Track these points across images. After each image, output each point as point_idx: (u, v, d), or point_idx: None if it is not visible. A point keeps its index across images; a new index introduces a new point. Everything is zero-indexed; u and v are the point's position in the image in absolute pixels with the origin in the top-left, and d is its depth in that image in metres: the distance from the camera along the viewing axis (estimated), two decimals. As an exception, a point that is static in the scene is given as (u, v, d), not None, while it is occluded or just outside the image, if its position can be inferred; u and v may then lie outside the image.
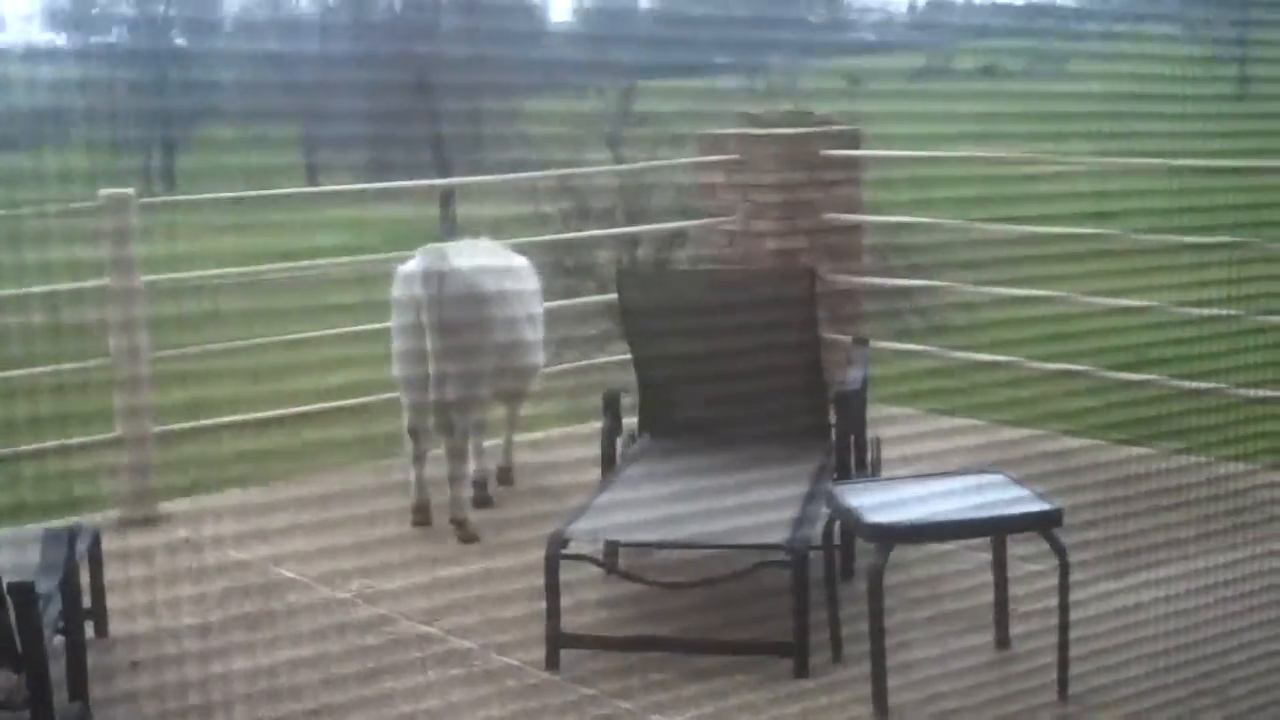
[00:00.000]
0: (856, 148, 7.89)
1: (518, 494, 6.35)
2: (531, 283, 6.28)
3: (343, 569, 5.39)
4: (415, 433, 5.92)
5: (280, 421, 6.77)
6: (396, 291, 5.84)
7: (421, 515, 5.93)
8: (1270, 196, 6.49)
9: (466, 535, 5.76)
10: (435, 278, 5.69)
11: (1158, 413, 6.45)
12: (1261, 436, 5.63)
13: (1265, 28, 6.98)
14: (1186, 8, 8.27)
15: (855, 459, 5.35)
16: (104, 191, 6.12)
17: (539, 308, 6.28)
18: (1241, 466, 5.33)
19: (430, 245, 5.92)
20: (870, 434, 5.54)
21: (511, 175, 8.54)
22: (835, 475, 5.13)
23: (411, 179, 9.86)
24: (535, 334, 6.21)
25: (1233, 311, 5.88)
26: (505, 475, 6.44)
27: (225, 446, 6.79)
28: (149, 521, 6.07)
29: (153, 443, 6.21)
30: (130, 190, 6.23)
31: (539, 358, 6.27)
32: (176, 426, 6.48)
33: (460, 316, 5.73)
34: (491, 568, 5.40)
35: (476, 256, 6.03)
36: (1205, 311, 6.11)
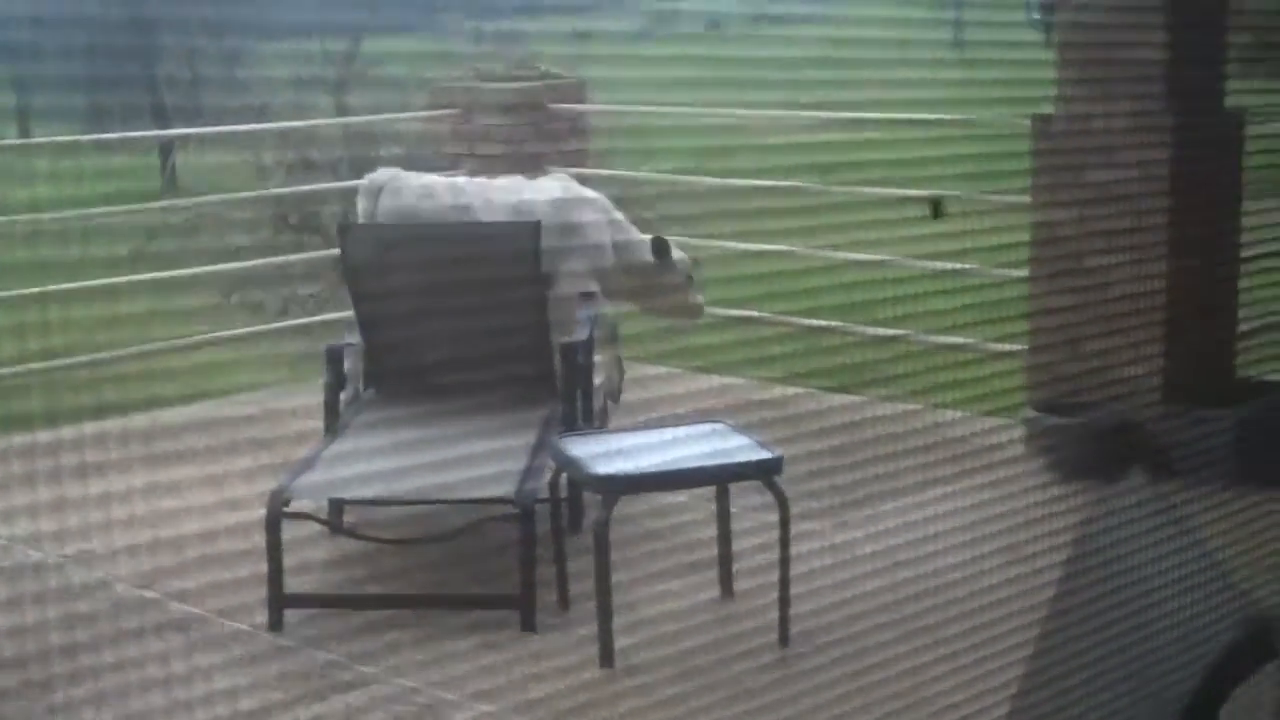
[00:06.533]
0: (582, 101, 7.90)
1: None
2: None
3: (53, 530, 5.17)
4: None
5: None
6: None
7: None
8: (984, 147, 6.66)
9: None
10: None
11: (868, 359, 6.58)
12: (976, 382, 5.81)
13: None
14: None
15: (582, 411, 5.36)
16: None
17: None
18: (957, 414, 5.50)
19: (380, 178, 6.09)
20: (596, 385, 5.55)
21: (231, 127, 8.32)
22: (562, 428, 5.14)
23: (129, 127, 9.54)
24: None
25: (959, 265, 6.04)
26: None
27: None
28: None
29: None
30: None
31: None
32: None
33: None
34: (214, 527, 5.26)
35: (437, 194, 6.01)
36: (926, 265, 6.28)
